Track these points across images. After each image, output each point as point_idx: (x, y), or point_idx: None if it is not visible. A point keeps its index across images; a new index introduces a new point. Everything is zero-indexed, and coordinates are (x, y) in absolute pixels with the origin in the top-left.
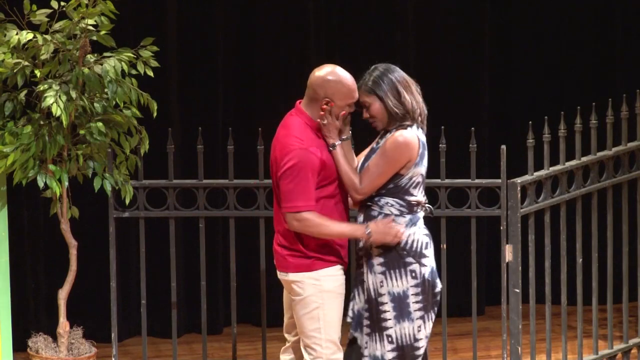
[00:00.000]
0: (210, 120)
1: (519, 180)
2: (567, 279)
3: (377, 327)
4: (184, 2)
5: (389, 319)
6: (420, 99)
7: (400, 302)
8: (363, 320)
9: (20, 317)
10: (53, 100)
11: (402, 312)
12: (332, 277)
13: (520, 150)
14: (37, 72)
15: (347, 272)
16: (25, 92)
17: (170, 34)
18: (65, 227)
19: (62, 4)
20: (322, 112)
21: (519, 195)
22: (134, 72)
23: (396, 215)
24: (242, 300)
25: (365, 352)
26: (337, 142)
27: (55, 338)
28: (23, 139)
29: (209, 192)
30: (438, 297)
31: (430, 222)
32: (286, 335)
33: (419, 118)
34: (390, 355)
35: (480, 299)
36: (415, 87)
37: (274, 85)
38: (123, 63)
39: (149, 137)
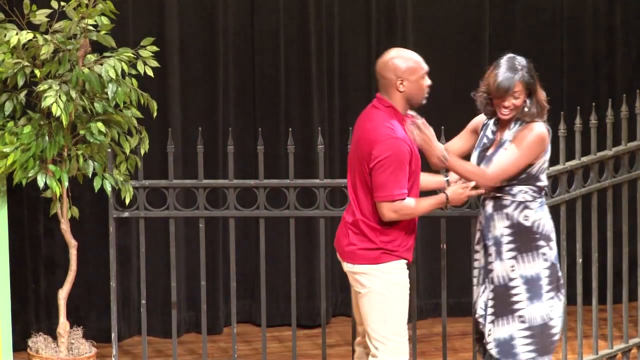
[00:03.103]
0: (210, 120)
1: None
2: (567, 279)
3: (505, 310)
4: (184, 2)
5: (521, 301)
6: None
7: (533, 284)
8: (488, 309)
9: (20, 317)
10: (53, 100)
11: (535, 294)
12: (398, 270)
13: None
14: (37, 72)
15: (410, 267)
16: (25, 92)
17: (170, 34)
18: (65, 227)
19: (62, 4)
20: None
21: None
22: (134, 72)
23: (529, 201)
24: (242, 300)
25: (489, 339)
26: (445, 153)
27: (55, 338)
28: (23, 139)
29: (209, 192)
30: (562, 281)
31: (430, 222)
32: (359, 328)
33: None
34: (522, 333)
35: None
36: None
37: (274, 85)
38: (123, 63)
39: (149, 137)
